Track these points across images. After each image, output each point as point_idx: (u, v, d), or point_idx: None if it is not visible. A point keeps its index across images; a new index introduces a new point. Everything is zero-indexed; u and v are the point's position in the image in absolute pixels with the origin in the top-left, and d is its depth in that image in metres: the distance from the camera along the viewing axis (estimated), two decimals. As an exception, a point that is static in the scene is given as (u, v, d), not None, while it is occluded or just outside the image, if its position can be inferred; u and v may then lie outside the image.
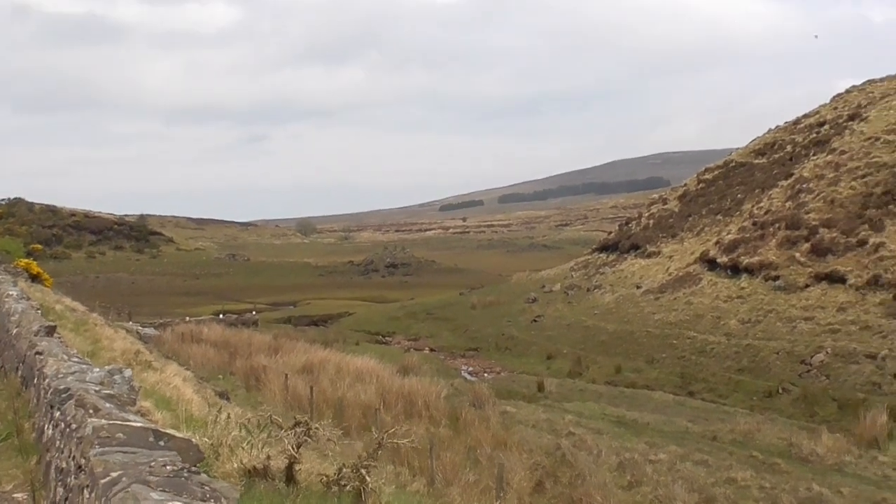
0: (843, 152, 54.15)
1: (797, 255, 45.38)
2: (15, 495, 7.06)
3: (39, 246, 76.98)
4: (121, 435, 4.73)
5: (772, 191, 57.46)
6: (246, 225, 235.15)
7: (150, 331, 37.44)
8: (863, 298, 38.69)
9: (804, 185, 52.82)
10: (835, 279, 41.34)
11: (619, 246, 70.78)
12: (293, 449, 7.46)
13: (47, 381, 7.75)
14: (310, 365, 28.64)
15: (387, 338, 62.34)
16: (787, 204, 52.08)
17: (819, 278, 42.36)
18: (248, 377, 26.67)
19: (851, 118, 61.34)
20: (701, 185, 72.69)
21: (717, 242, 54.46)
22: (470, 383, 37.03)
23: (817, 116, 68.88)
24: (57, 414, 6.62)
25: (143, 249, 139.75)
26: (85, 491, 4.51)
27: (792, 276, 43.98)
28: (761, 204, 56.00)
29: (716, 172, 73.23)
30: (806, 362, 35.61)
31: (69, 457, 5.46)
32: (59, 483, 5.86)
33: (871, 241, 42.38)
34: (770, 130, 76.24)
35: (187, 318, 56.50)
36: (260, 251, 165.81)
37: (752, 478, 20.93)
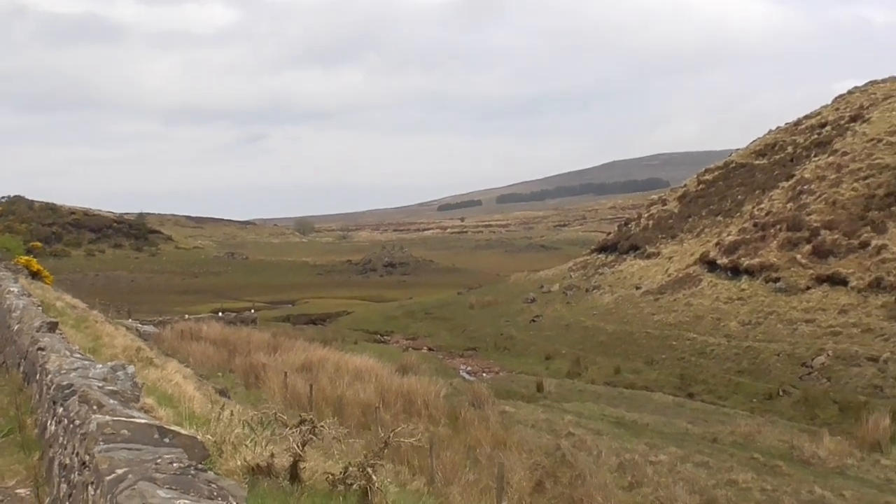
0: (844, 153, 54.06)
1: (798, 256, 45.28)
2: (18, 491, 7.01)
3: (39, 243, 76.85)
4: (125, 431, 4.66)
5: (772, 192, 57.33)
6: (245, 224, 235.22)
7: (149, 328, 37.40)
8: (864, 301, 38.58)
9: (805, 187, 52.72)
10: (836, 281, 41.21)
11: (618, 247, 70.73)
12: (299, 447, 7.38)
13: (50, 376, 7.69)
14: (309, 363, 28.67)
15: (385, 337, 62.31)
16: (789, 205, 51.98)
17: (820, 280, 42.25)
18: (247, 375, 26.64)
19: (853, 119, 61.25)
20: (701, 185, 72.61)
21: (717, 244, 54.36)
22: (469, 383, 36.96)
23: (819, 117, 68.77)
24: (60, 410, 6.54)
25: (143, 247, 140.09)
26: (89, 487, 4.44)
27: (793, 278, 43.87)
28: (762, 205, 55.90)
29: (716, 173, 73.15)
30: (807, 365, 35.47)
31: (73, 453, 5.38)
32: (63, 479, 5.79)
33: (874, 243, 42.27)
34: (771, 131, 76.15)
35: (186, 316, 56.57)
36: (258, 250, 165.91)
37: (754, 480, 20.86)
